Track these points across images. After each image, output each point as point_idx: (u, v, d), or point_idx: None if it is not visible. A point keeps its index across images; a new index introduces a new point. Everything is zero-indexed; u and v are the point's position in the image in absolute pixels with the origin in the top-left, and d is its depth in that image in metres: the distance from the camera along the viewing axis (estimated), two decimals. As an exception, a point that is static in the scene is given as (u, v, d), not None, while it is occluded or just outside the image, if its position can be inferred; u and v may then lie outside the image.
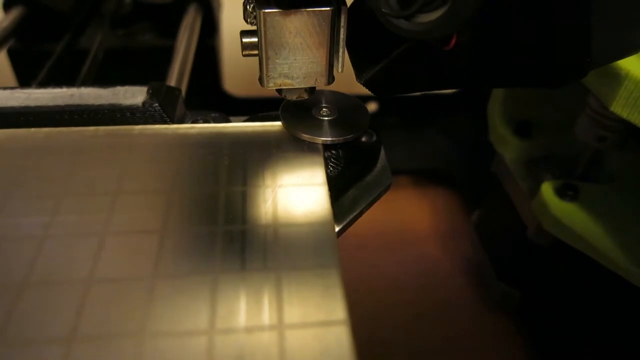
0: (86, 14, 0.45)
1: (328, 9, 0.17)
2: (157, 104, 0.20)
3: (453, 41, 0.16)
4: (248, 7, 0.18)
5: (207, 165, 0.18)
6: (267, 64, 0.18)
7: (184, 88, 0.32)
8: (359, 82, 0.19)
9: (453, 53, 0.16)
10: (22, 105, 0.20)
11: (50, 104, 0.20)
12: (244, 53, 0.19)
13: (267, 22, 0.17)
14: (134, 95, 0.21)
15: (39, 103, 0.20)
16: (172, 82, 0.33)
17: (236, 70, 0.52)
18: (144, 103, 0.20)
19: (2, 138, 0.19)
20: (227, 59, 0.51)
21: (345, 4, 0.18)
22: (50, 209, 0.16)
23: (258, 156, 0.19)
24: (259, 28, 0.17)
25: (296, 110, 0.21)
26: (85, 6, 0.45)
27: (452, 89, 0.18)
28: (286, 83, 0.19)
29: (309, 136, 0.20)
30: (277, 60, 0.18)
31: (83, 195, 0.17)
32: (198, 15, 0.44)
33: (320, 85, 0.19)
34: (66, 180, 0.17)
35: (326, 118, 0.21)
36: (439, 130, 0.55)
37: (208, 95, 0.51)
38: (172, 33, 0.45)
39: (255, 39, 0.18)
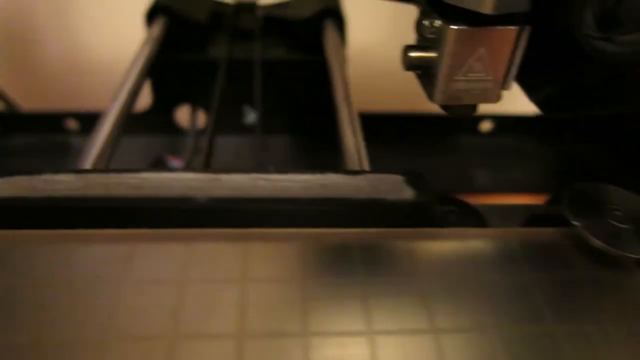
0: (219, 26, 0.43)
1: (515, 27, 0.17)
2: (429, 203, 0.18)
3: None
4: (424, 22, 0.18)
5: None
6: (444, 80, 0.18)
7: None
8: (531, 100, 0.19)
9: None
10: (274, 196, 0.18)
11: (304, 195, 0.18)
12: (407, 68, 0.19)
13: (454, 38, 0.17)
14: (395, 187, 0.19)
15: (290, 194, 0.18)
16: (339, 96, 0.32)
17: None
18: (415, 200, 0.18)
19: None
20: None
21: (528, 23, 0.17)
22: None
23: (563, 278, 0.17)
24: (441, 44, 0.17)
25: (586, 210, 0.18)
26: (219, 18, 0.43)
27: (635, 110, 0.18)
28: (457, 99, 0.19)
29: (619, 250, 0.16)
30: (455, 77, 0.18)
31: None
32: (336, 31, 0.42)
33: (489, 102, 0.19)
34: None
35: (624, 225, 0.17)
36: None
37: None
38: (303, 48, 0.43)
39: (423, 54, 0.18)
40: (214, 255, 0.17)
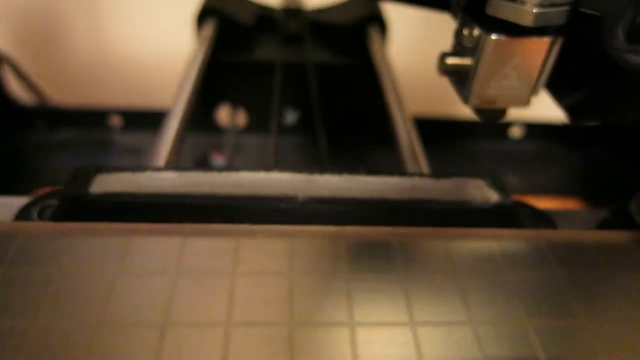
0: (265, 29, 0.45)
1: (549, 38, 0.18)
2: (513, 205, 0.19)
3: None
4: (464, 31, 0.19)
5: None
6: (479, 86, 0.19)
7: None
8: (559, 106, 0.20)
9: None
10: (366, 197, 0.19)
11: (396, 197, 0.19)
12: (443, 73, 0.20)
13: (492, 47, 0.18)
14: (480, 189, 0.20)
15: (382, 195, 0.19)
16: (391, 99, 0.33)
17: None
18: (500, 203, 0.19)
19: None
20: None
21: (561, 34, 0.18)
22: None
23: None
24: (478, 52, 0.18)
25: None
26: (266, 21, 0.45)
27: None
28: (488, 104, 0.20)
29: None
30: (489, 83, 0.19)
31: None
32: (379, 35, 0.43)
33: (520, 106, 0.20)
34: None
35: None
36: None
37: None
38: (347, 52, 0.44)
39: (459, 61, 0.19)
40: (317, 250, 0.18)
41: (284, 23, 0.44)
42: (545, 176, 0.54)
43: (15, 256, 0.17)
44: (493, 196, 0.19)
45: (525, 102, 0.20)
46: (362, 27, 0.43)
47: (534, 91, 0.20)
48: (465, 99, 0.20)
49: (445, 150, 0.52)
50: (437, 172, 0.20)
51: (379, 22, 0.43)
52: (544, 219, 0.21)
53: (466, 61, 0.20)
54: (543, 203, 0.22)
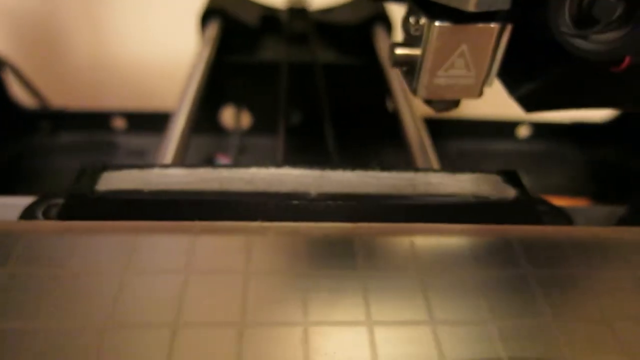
0: (270, 30, 0.44)
1: (496, 25, 0.17)
2: (530, 201, 0.19)
3: (626, 63, 0.15)
4: (410, 19, 0.19)
5: None
6: (426, 76, 0.18)
7: None
8: (513, 96, 0.20)
9: (622, 74, 0.16)
10: (380, 193, 0.19)
11: (411, 192, 0.19)
12: (393, 65, 0.19)
13: (437, 35, 0.17)
14: (496, 185, 0.19)
15: (397, 191, 0.19)
16: (400, 98, 0.32)
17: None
18: (519, 199, 0.19)
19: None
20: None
21: (509, 21, 0.18)
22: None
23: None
24: (424, 40, 0.18)
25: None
26: (270, 22, 0.44)
27: (612, 108, 0.18)
28: (439, 94, 0.19)
29: None
30: (437, 73, 0.18)
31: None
32: (385, 34, 0.43)
33: (471, 98, 0.19)
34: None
35: None
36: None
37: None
38: (353, 52, 0.44)
39: (408, 51, 0.19)
40: (331, 248, 0.17)
41: (288, 23, 0.44)
42: (553, 176, 0.53)
43: (21, 256, 0.16)
44: (510, 192, 0.19)
45: (476, 93, 0.19)
46: (367, 26, 0.42)
47: (485, 81, 0.19)
48: (414, 91, 0.19)
49: (452, 150, 0.51)
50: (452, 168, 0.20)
51: (385, 21, 0.43)
52: (562, 216, 0.20)
53: (415, 51, 0.19)
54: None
